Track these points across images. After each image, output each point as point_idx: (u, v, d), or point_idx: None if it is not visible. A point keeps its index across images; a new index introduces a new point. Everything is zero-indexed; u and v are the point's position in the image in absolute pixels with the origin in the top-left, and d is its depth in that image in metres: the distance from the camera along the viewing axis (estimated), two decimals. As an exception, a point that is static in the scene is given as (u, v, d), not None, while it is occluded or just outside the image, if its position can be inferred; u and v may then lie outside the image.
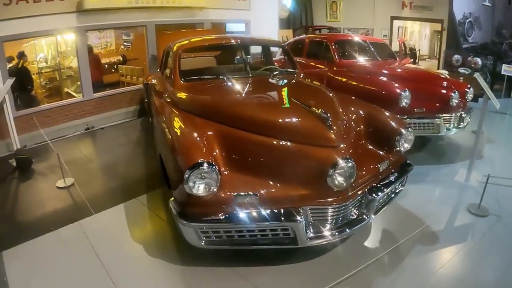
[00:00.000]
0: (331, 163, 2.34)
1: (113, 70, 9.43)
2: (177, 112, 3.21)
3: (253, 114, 2.76)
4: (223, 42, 4.37)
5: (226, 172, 2.54)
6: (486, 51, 8.23)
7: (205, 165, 2.28)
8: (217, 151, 2.62)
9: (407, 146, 3.08)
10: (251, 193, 2.38)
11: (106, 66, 9.25)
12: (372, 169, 2.82)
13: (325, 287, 2.49)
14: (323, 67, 5.90)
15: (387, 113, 3.32)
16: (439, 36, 9.13)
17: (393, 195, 3.10)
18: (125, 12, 6.59)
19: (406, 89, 4.44)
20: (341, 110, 3.02)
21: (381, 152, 3.06)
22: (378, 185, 2.78)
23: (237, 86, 3.48)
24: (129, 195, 3.92)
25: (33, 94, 6.63)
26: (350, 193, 2.54)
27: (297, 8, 12.68)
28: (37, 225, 3.43)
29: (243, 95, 3.29)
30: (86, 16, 5.97)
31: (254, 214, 2.35)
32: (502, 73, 6.86)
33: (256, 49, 5.94)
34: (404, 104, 4.45)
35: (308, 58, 6.47)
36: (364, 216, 2.68)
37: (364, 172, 2.72)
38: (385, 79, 4.87)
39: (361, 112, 3.29)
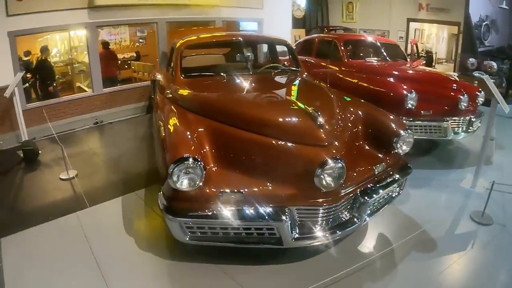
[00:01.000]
0: (319, 163, 2.29)
1: (126, 66, 9.57)
2: (174, 108, 3.22)
3: (243, 111, 2.74)
4: (226, 39, 4.36)
5: (214, 169, 2.53)
6: (502, 55, 7.92)
7: (190, 160, 2.28)
8: (207, 147, 2.61)
9: (405, 148, 2.99)
10: (236, 191, 2.35)
11: (119, 62, 9.41)
12: (366, 171, 2.74)
13: (311, 289, 2.44)
14: (331, 66, 5.82)
15: (386, 114, 3.23)
16: (456, 39, 8.85)
17: (389, 199, 3.00)
18: (136, 8, 6.66)
19: (412, 90, 4.32)
20: (336, 110, 2.95)
21: (379, 154, 2.98)
22: (372, 188, 2.70)
23: (235, 84, 3.47)
24: (128, 189, 3.96)
25: (54, 86, 6.84)
26: (340, 195, 2.47)
27: (313, 8, 12.57)
28: (37, 214, 3.50)
29: (238, 92, 3.27)
30: (97, 12, 6.07)
31: (239, 211, 2.33)
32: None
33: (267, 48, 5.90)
34: (410, 105, 4.33)
35: (317, 57, 6.41)
36: (355, 219, 2.60)
37: (356, 174, 2.64)
38: (392, 80, 4.75)
39: (359, 112, 3.21)
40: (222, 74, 3.72)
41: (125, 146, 5.45)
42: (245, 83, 3.51)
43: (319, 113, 2.52)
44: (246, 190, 2.37)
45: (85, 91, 7.10)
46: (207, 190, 2.37)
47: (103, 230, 3.25)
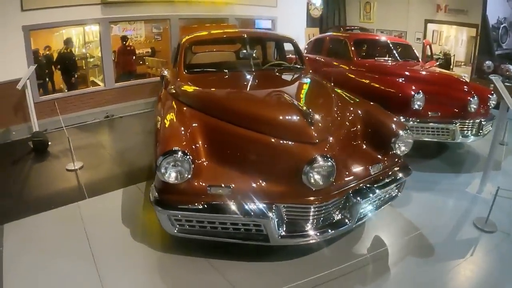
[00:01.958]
0: (307, 160, 2.26)
1: (140, 62, 9.72)
2: (173, 103, 3.25)
3: (235, 106, 2.75)
4: (229, 36, 4.37)
5: (206, 163, 2.54)
6: (520, 59, 7.63)
7: (179, 153, 2.30)
8: (200, 142, 2.62)
9: (404, 149, 2.91)
10: (224, 185, 2.35)
11: (134, 57, 9.56)
12: (361, 171, 2.68)
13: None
14: (341, 65, 5.75)
15: (387, 114, 3.16)
16: (475, 41, 8.55)
17: (386, 200, 2.93)
18: (149, 5, 6.76)
19: (420, 91, 4.21)
20: (333, 108, 2.91)
21: (377, 154, 2.91)
22: (366, 188, 2.64)
23: (235, 80, 3.48)
24: (130, 181, 4.02)
25: (75, 78, 7.09)
26: (330, 194, 2.43)
27: (330, 8, 12.44)
28: (40, 202, 3.61)
29: (236, 88, 3.27)
30: (110, 8, 6.18)
31: (225, 206, 2.33)
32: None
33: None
34: (417, 106, 4.22)
35: (328, 56, 6.34)
36: (347, 220, 2.55)
37: (349, 173, 2.59)
38: (400, 80, 4.64)
39: (359, 111, 3.14)
40: (224, 70, 3.74)
41: (132, 140, 5.54)
42: (245, 79, 3.51)
43: (310, 110, 2.48)
44: (234, 185, 2.36)
45: (99, 85, 7.27)
46: (196, 184, 2.38)
47: (101, 220, 3.32)
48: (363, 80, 5.06)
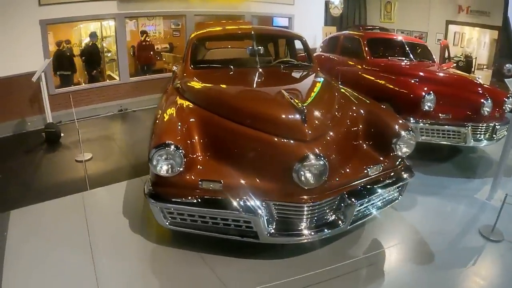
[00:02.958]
0: (298, 157, 2.22)
1: (157, 57, 9.87)
2: (175, 98, 3.26)
3: (231, 102, 2.75)
4: (237, 32, 4.36)
5: (200, 158, 2.55)
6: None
7: (172, 147, 2.32)
8: (196, 137, 2.63)
9: (406, 151, 2.81)
10: (215, 180, 2.35)
11: (152, 52, 9.71)
12: (357, 171, 2.62)
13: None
14: (354, 64, 5.65)
15: (391, 114, 3.08)
16: (496, 44, 8.18)
17: (384, 203, 2.85)
18: (165, 1, 6.84)
19: (431, 92, 4.07)
20: (333, 107, 2.85)
21: (377, 155, 2.83)
22: (362, 189, 2.58)
23: (238, 76, 3.47)
24: (135, 174, 4.10)
25: (98, 71, 7.33)
26: (322, 194, 2.38)
27: (351, 7, 12.25)
28: (47, 191, 3.75)
29: (236, 84, 3.26)
30: (126, 4, 6.31)
31: (214, 201, 2.33)
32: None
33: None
34: (427, 108, 4.09)
35: (341, 55, 6.24)
36: (340, 221, 2.49)
37: (345, 173, 2.53)
38: (412, 80, 4.50)
39: (361, 111, 3.07)
40: (230, 66, 3.73)
41: (142, 133, 5.60)
42: (248, 76, 3.49)
43: (305, 107, 2.43)
44: (225, 180, 2.36)
45: (115, 79, 7.43)
46: (188, 178, 2.40)
47: (103, 210, 3.41)
48: (375, 80, 4.96)
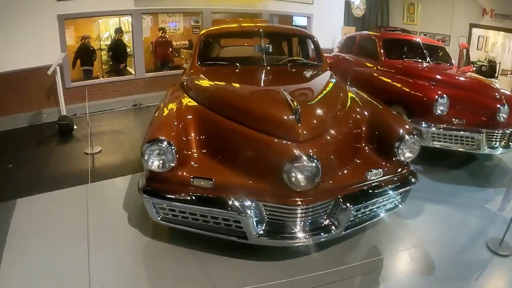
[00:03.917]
0: (290, 158, 2.16)
1: (176, 54, 9.96)
2: (179, 93, 3.27)
3: (227, 100, 2.74)
4: (246, 29, 4.33)
5: (195, 155, 2.53)
6: None
7: (164, 143, 2.32)
8: (193, 134, 2.62)
9: (409, 156, 2.70)
10: (207, 178, 2.33)
11: (170, 49, 9.81)
12: (355, 175, 2.53)
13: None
14: (369, 65, 5.51)
15: (396, 117, 2.97)
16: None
17: (383, 210, 2.75)
18: (182, -3, 6.90)
19: (444, 95, 3.90)
20: (333, 108, 2.77)
21: (379, 159, 2.72)
22: (359, 194, 2.49)
23: (243, 74, 3.46)
24: (140, 169, 4.07)
25: (125, 65, 7.56)
26: (314, 197, 2.31)
27: (373, 8, 11.99)
28: (54, 181, 3.85)
29: (239, 82, 3.22)
30: (143, 0, 6.38)
31: (205, 198, 2.32)
32: None
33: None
34: (439, 111, 3.92)
35: (357, 55, 6.09)
36: (333, 226, 2.42)
37: (341, 176, 2.45)
38: (426, 83, 4.33)
39: (365, 113, 2.97)
40: (237, 64, 3.71)
41: (153, 129, 5.70)
42: (253, 74, 3.47)
43: (299, 107, 2.37)
44: (216, 178, 2.33)
45: (132, 74, 7.55)
46: (180, 174, 2.39)
47: (104, 202, 3.47)
48: (388, 81, 4.81)
